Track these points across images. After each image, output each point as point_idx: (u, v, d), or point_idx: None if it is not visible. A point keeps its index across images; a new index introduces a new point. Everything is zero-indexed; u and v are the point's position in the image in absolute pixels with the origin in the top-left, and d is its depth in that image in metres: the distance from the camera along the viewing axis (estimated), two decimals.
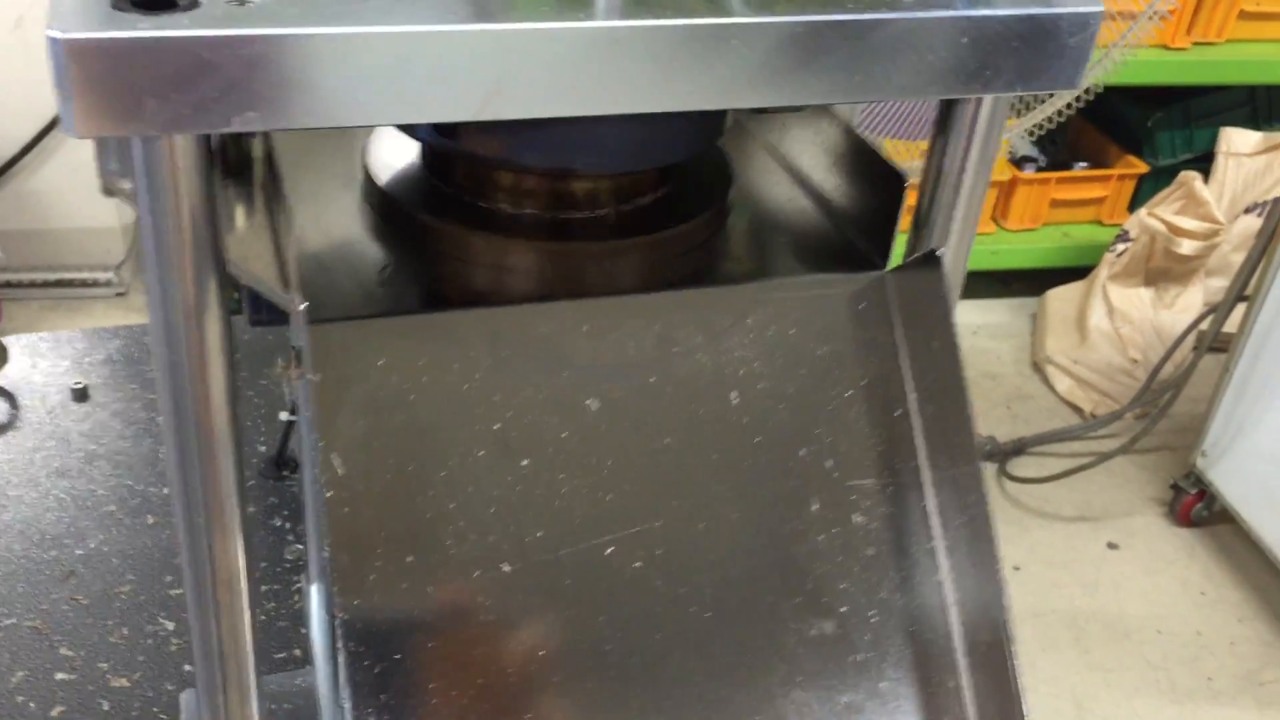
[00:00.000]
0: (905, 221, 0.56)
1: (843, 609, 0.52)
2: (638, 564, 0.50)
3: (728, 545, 0.51)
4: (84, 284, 2.59)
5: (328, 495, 0.47)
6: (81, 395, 1.08)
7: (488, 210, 0.55)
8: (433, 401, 0.49)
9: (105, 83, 0.37)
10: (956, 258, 0.55)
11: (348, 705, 0.45)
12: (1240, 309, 2.01)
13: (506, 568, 0.48)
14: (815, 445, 0.53)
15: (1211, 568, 2.14)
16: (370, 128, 0.61)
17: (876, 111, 1.48)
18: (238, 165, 0.60)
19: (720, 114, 0.55)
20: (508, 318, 0.51)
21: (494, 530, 0.48)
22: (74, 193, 2.42)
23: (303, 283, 0.51)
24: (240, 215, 0.58)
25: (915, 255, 0.55)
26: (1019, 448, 2.30)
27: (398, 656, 0.46)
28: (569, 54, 0.40)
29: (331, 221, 0.56)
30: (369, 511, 0.47)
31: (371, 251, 0.54)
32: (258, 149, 0.60)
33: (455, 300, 0.52)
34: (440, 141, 0.52)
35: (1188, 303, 2.43)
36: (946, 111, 0.52)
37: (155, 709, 0.79)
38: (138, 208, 0.43)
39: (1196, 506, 2.17)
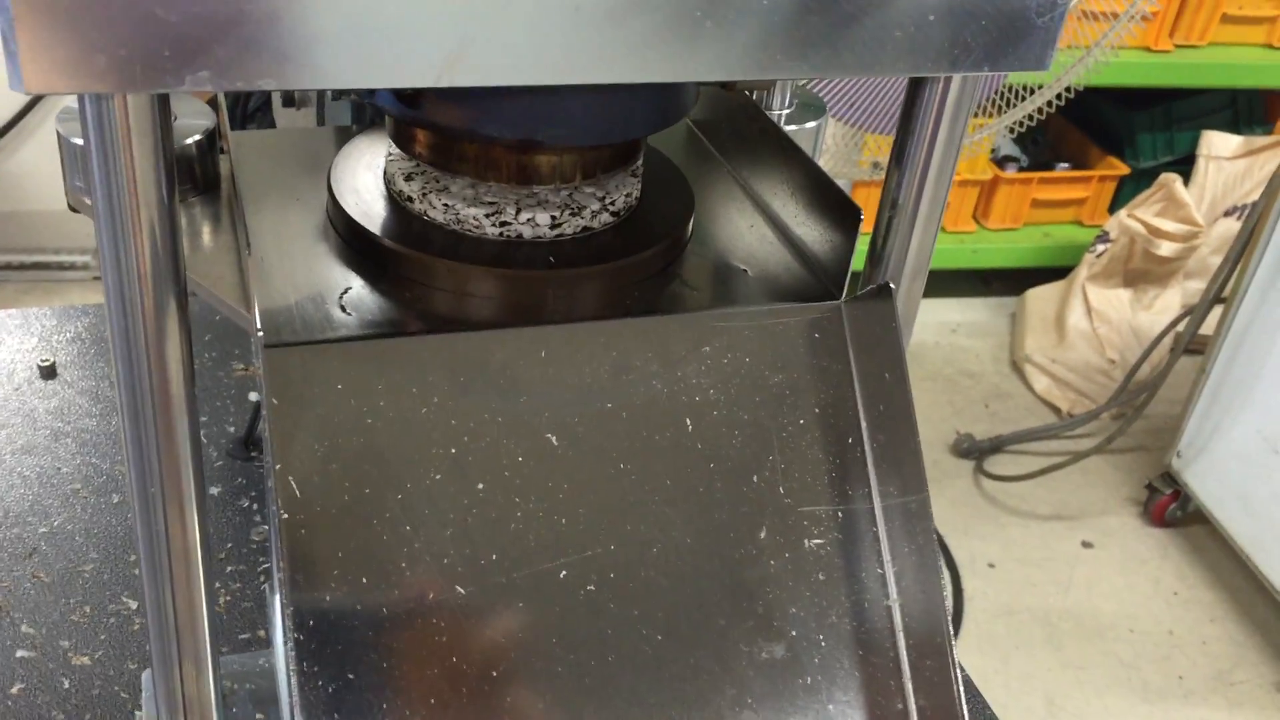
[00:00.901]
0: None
1: (793, 633, 0.53)
2: (590, 587, 0.51)
3: (680, 569, 0.52)
4: (61, 266, 2.59)
5: (283, 517, 0.47)
6: (49, 373, 1.09)
7: (451, 233, 0.56)
8: (390, 426, 0.50)
9: (55, 37, 0.37)
10: (922, 246, 0.56)
11: None
12: (1217, 311, 2.03)
13: (461, 590, 0.49)
14: (768, 472, 0.54)
15: (1184, 568, 2.16)
16: (336, 151, 0.62)
17: (859, 105, 1.49)
18: (206, 183, 0.60)
19: (683, 91, 0.56)
20: (465, 344, 0.51)
21: (449, 553, 0.49)
22: (51, 175, 2.42)
23: (261, 305, 0.52)
24: (206, 233, 0.58)
25: (869, 287, 0.56)
26: (996, 446, 2.32)
27: (351, 676, 0.47)
28: (532, 20, 0.41)
29: (293, 243, 0.57)
30: (325, 533, 0.48)
31: (333, 274, 0.55)
32: (226, 166, 0.61)
33: (415, 325, 0.53)
34: (402, 111, 0.53)
35: (1166, 304, 2.45)
36: (913, 95, 0.52)
37: (116, 688, 0.79)
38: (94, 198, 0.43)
39: (1171, 507, 2.19)
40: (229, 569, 0.91)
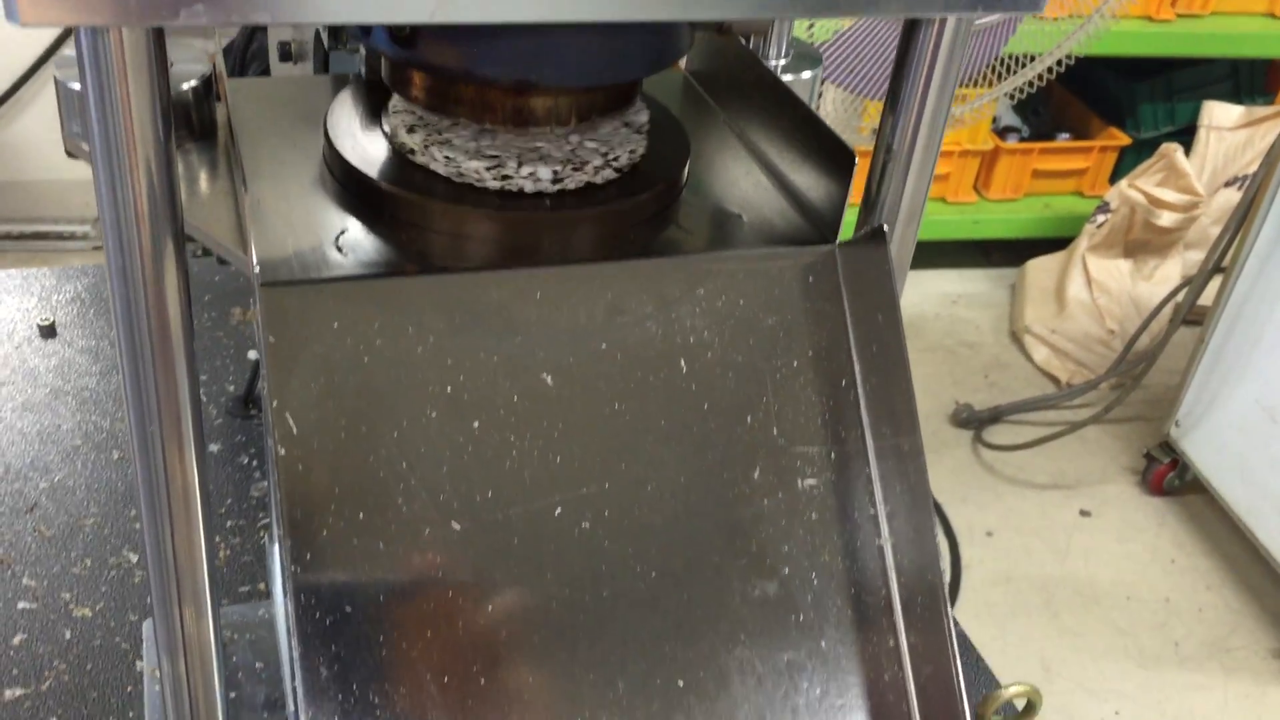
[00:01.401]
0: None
1: (785, 570, 0.54)
2: (585, 524, 0.51)
3: (674, 508, 0.53)
4: (60, 236, 2.59)
5: (280, 453, 0.48)
6: (49, 332, 1.09)
7: (446, 178, 0.56)
8: (386, 364, 0.50)
9: None
10: (916, 191, 0.56)
11: (297, 655, 0.46)
12: (1217, 281, 2.03)
13: (456, 526, 0.50)
14: (762, 413, 0.54)
15: (1182, 536, 2.17)
16: (333, 96, 0.62)
17: (859, 72, 1.49)
18: (203, 130, 0.61)
19: (678, 32, 0.56)
20: (461, 284, 0.52)
21: (444, 490, 0.50)
22: (50, 145, 2.42)
23: (257, 245, 0.52)
24: (203, 179, 0.59)
25: (864, 229, 0.56)
26: (995, 416, 2.33)
27: (348, 609, 0.48)
28: None
29: (290, 187, 0.57)
30: (322, 469, 0.48)
31: (329, 217, 0.55)
32: (223, 113, 0.61)
33: (410, 266, 0.53)
34: (397, 53, 0.53)
35: (1165, 275, 2.45)
36: (907, 38, 0.52)
37: (118, 638, 0.80)
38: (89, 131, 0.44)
39: (1169, 476, 2.20)
40: (229, 523, 0.91)
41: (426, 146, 0.56)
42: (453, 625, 0.50)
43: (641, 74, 0.56)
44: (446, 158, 0.55)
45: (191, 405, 0.50)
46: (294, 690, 0.47)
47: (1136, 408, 2.37)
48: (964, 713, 0.52)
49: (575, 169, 0.56)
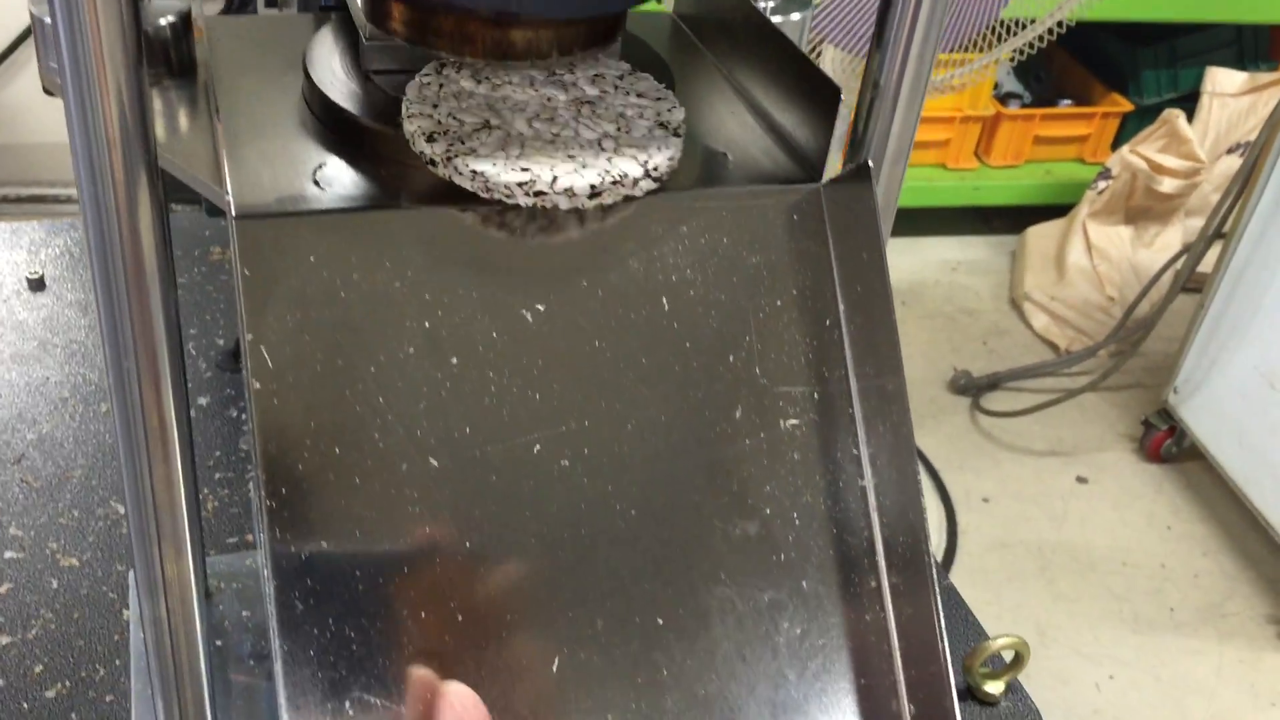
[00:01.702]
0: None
1: (767, 510, 0.53)
2: (564, 462, 0.51)
3: (654, 446, 0.52)
4: (56, 200, 2.58)
5: (255, 387, 0.47)
6: (38, 285, 1.09)
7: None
8: (363, 298, 0.49)
9: None
10: (903, 130, 0.55)
11: (272, 589, 0.46)
12: (1218, 248, 2.02)
13: (434, 462, 0.49)
14: (744, 352, 0.54)
15: (1179, 503, 2.17)
16: (312, 32, 0.61)
17: (856, 33, 1.48)
18: (180, 67, 0.60)
19: None
20: (440, 219, 0.51)
21: (421, 426, 0.49)
22: (47, 107, 2.41)
23: (234, 179, 0.51)
24: (183, 116, 0.58)
25: (849, 165, 0.56)
26: (993, 382, 2.32)
27: (324, 544, 0.47)
28: None
29: (267, 122, 0.56)
30: (297, 404, 0.48)
31: (307, 151, 0.54)
32: (202, 50, 0.61)
33: (388, 200, 0.52)
34: None
35: (1166, 242, 2.44)
36: None
37: (105, 588, 0.80)
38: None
39: (1166, 443, 2.20)
40: (217, 475, 0.91)
41: (449, 159, 0.52)
42: (430, 562, 0.49)
43: (621, 6, 0.55)
44: (474, 172, 0.52)
45: (168, 339, 0.49)
46: (271, 626, 0.47)
47: (1135, 375, 2.37)
48: (944, 653, 0.52)
49: (615, 182, 0.53)
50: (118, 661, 0.77)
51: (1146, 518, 2.14)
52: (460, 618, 0.49)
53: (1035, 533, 2.09)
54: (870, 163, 0.54)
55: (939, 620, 0.52)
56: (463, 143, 0.53)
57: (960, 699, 0.73)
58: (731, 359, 0.54)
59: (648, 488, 0.52)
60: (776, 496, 0.53)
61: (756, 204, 0.55)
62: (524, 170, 0.52)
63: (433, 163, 0.52)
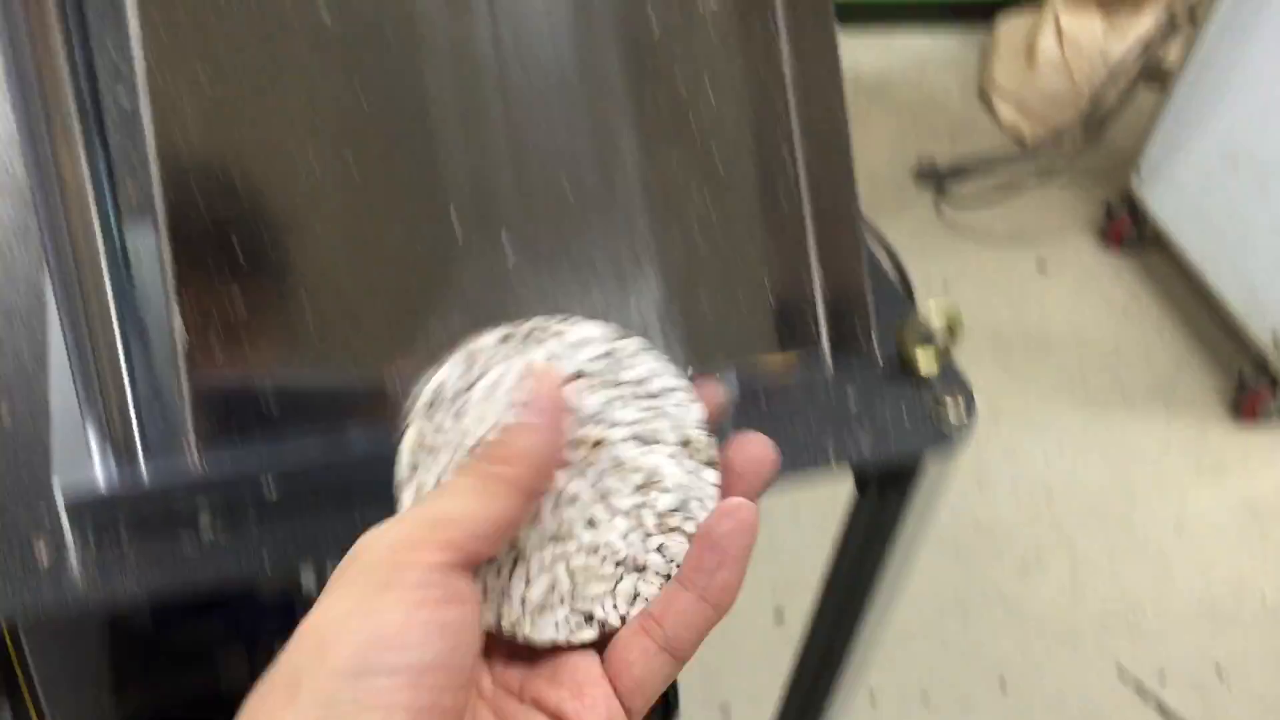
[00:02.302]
0: None
1: (683, 91, 0.52)
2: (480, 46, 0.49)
3: (571, 21, 0.50)
4: None
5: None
6: None
7: None
8: None
9: None
10: None
11: (168, 261, 0.44)
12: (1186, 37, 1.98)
13: (326, 19, 0.47)
14: None
15: (1137, 288, 2.18)
16: None
17: None
18: None
19: None
20: None
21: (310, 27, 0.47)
22: None
23: None
24: None
25: None
26: (957, 170, 2.30)
27: (217, 216, 0.45)
28: None
29: None
30: (184, 48, 0.45)
31: None
32: None
33: None
34: None
35: (1139, 33, 2.39)
36: None
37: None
38: None
39: (1128, 228, 2.19)
40: None
41: None
42: (323, 114, 0.47)
43: None
44: None
45: (74, 90, 0.45)
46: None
47: (1100, 165, 2.35)
48: (860, 235, 0.51)
49: None
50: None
51: (1105, 303, 2.15)
52: (357, 176, 0.48)
53: (993, 317, 2.10)
54: None
55: (856, 207, 0.51)
56: None
57: (892, 376, 0.72)
58: None
59: (563, 62, 0.50)
60: (694, 75, 0.52)
61: None
62: None
63: None
